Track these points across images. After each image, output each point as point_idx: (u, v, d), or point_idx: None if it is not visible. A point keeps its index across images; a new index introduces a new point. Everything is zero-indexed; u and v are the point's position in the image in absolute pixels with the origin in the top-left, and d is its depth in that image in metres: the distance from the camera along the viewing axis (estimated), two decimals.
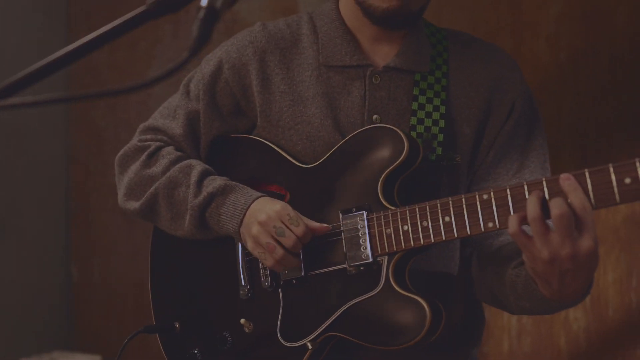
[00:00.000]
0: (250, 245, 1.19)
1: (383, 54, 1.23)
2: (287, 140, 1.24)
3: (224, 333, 1.26)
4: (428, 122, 1.18)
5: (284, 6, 2.25)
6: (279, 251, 1.15)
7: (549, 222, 0.96)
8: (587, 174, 0.95)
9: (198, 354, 1.29)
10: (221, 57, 1.29)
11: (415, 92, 1.20)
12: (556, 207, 0.94)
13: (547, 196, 0.97)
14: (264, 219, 1.16)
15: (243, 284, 1.25)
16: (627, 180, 0.93)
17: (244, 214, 1.18)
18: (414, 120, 1.19)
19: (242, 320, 1.24)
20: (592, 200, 0.95)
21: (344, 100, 1.21)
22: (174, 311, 1.34)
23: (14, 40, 2.42)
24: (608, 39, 1.87)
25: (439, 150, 1.18)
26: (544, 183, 0.98)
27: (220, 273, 1.29)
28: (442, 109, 1.19)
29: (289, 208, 1.16)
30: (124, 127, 2.51)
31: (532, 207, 0.96)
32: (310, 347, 1.16)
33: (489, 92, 1.22)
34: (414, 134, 1.19)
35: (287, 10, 2.24)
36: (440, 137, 1.18)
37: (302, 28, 1.28)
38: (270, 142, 1.26)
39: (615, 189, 0.94)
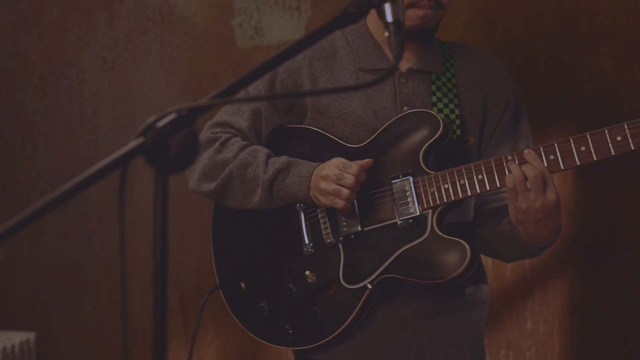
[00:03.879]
0: (321, 199, 1.57)
1: (404, 60, 1.66)
2: (336, 128, 1.64)
3: (289, 285, 1.63)
4: (446, 111, 1.62)
5: (219, 1, 2.59)
6: (345, 191, 1.54)
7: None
8: (541, 149, 1.46)
9: (265, 306, 1.65)
10: None
11: (433, 88, 1.64)
12: (530, 170, 1.42)
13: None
14: (325, 173, 1.56)
15: (307, 242, 1.63)
16: (574, 151, 1.47)
17: (310, 180, 1.57)
18: (435, 110, 1.63)
19: (307, 272, 1.62)
20: (548, 166, 1.45)
21: (379, 96, 1.64)
22: (237, 273, 1.69)
23: None
24: (507, 44, 2.38)
25: (458, 132, 1.62)
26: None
27: (281, 236, 1.67)
28: (456, 101, 1.64)
29: (340, 158, 1.56)
30: (53, 112, 2.75)
31: (517, 172, 1.44)
32: (369, 287, 1.55)
33: (487, 88, 1.69)
34: None
35: (222, 4, 2.59)
36: (458, 122, 1.63)
37: (338, 42, 1.70)
38: (320, 129, 1.66)
39: (560, 159, 1.47)
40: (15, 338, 2.63)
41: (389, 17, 1.03)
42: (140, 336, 2.68)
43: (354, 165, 1.55)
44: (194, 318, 2.61)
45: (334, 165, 1.55)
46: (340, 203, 1.56)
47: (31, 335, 2.68)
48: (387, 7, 1.03)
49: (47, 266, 2.76)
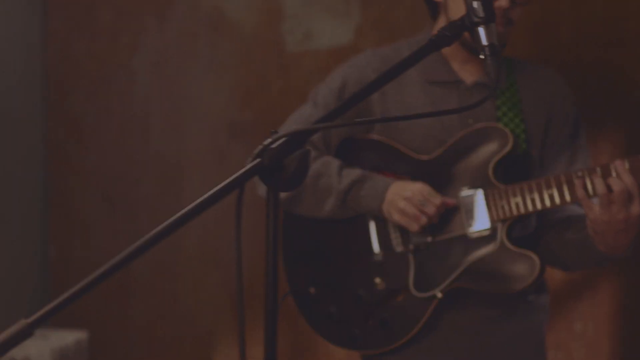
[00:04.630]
0: (396, 216, 1.65)
1: (468, 73, 1.73)
2: (405, 139, 1.71)
3: (358, 291, 1.71)
4: (512, 125, 1.69)
5: (269, 6, 2.66)
6: (424, 219, 1.62)
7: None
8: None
9: (334, 311, 1.72)
10: (344, 76, 1.76)
11: (498, 103, 1.71)
12: (617, 184, 1.47)
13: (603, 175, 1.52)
14: (409, 195, 1.63)
15: (376, 250, 1.70)
16: None
17: (385, 195, 1.64)
18: (501, 124, 1.68)
19: (377, 279, 1.69)
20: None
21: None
22: (307, 278, 1.77)
23: None
24: (556, 48, 2.43)
25: (524, 146, 1.68)
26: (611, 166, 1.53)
27: (350, 243, 1.74)
28: (520, 116, 1.70)
29: (427, 186, 1.64)
30: (105, 114, 2.83)
31: (601, 187, 1.49)
32: (439, 296, 1.63)
33: (550, 103, 1.75)
34: None
35: (272, 10, 2.66)
36: (523, 136, 1.69)
37: (404, 54, 1.74)
38: (389, 140, 1.73)
39: None
40: (69, 337, 2.73)
41: (484, 41, 1.09)
42: (191, 335, 2.76)
43: (439, 197, 1.63)
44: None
45: (418, 191, 1.63)
46: (414, 227, 1.64)
47: (84, 335, 2.77)
48: (481, 31, 1.09)
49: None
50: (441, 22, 1.73)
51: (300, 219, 1.78)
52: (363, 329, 1.71)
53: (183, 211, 0.96)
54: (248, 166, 0.98)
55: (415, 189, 1.64)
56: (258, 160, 0.97)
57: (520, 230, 1.71)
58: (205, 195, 0.97)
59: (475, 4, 1.09)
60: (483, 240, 1.63)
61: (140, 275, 2.82)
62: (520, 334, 1.74)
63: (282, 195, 1.72)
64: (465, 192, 1.65)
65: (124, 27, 2.78)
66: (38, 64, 2.85)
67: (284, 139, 0.99)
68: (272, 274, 1.01)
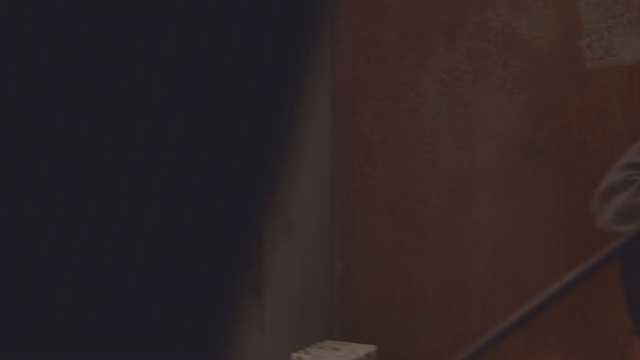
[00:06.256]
0: None
1: None
2: None
3: None
4: None
5: (566, 22, 2.67)
6: None
7: None
8: None
9: None
10: None
11: None
12: None
13: None
14: None
15: None
16: None
17: None
18: None
19: None
20: None
21: None
22: None
23: (282, 54, 2.88)
24: None
25: None
26: None
27: None
28: None
29: None
30: (392, 133, 2.98)
31: None
32: None
33: None
34: None
35: (569, 25, 2.66)
36: None
37: None
38: None
39: None
40: (360, 350, 2.89)
41: None
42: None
43: None
44: (536, 341, 2.71)
45: None
46: None
47: (373, 348, 2.92)
48: None
49: (385, 281, 2.99)
50: None
51: None
52: None
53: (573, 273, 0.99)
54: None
55: None
56: None
57: None
58: (592, 260, 0.99)
59: None
60: None
61: (426, 292, 2.92)
62: None
63: (626, 228, 1.72)
64: None
65: (411, 48, 2.90)
66: (327, 86, 3.05)
67: None
68: None
